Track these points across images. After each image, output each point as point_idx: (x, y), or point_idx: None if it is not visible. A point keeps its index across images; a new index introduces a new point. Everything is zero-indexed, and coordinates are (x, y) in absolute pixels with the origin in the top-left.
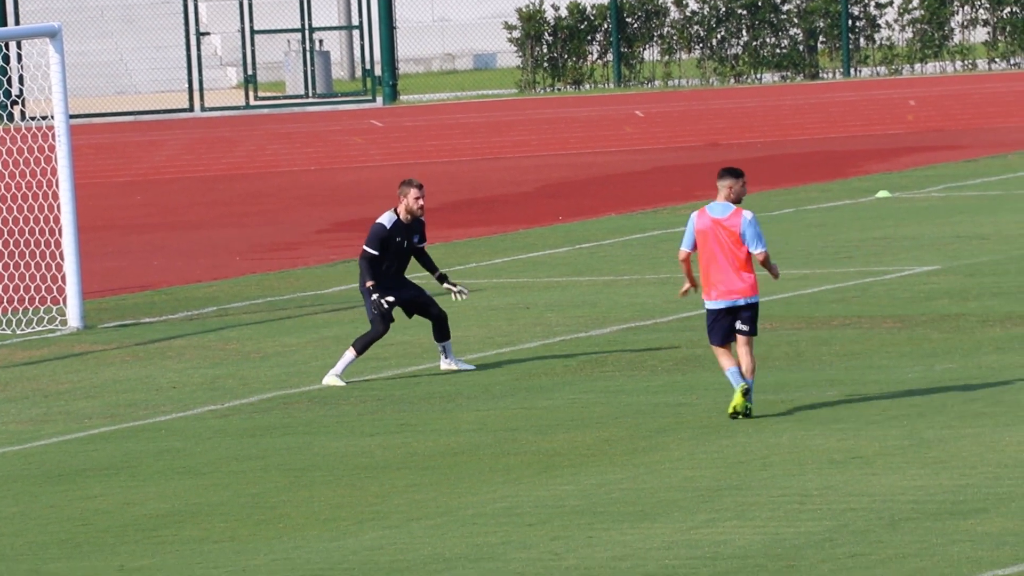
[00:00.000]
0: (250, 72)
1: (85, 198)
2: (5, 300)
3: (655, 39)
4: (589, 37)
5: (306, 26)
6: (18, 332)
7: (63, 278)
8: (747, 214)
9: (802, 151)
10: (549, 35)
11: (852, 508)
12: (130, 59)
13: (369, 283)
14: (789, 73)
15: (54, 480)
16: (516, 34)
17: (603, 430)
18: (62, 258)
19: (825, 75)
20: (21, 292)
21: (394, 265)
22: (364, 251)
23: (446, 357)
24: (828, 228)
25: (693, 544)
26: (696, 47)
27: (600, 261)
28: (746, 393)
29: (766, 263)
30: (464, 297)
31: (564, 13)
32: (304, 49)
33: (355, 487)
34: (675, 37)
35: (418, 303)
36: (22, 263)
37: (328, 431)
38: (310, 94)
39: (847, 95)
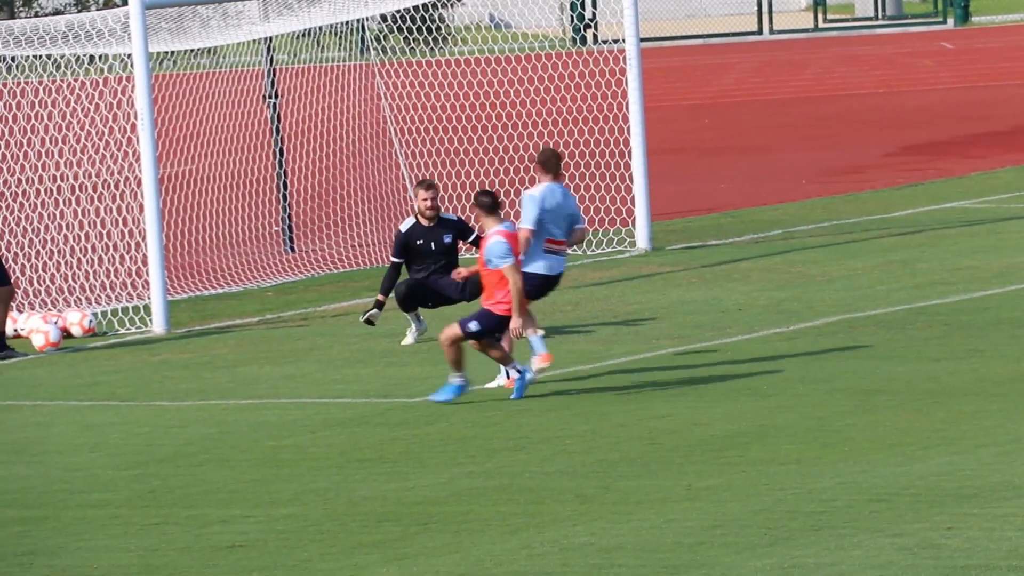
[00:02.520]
0: None
1: (654, 121)
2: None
3: None
4: None
5: None
6: (589, 253)
7: (632, 200)
8: None
9: None
10: None
11: None
12: None
13: (380, 296)
14: None
15: (623, 399)
16: None
17: None
18: (631, 180)
19: None
20: (591, 214)
21: (427, 268)
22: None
23: (417, 326)
24: None
25: None
26: None
27: None
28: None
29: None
30: None
31: None
32: None
33: (921, 412)
34: None
35: (444, 295)
36: (592, 185)
37: (894, 355)
38: (879, 16)
39: None
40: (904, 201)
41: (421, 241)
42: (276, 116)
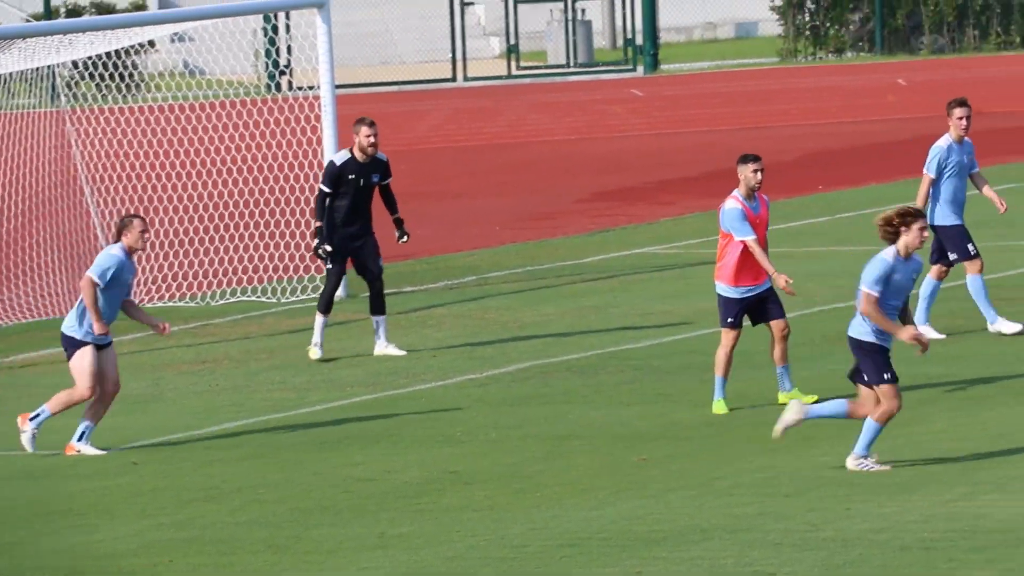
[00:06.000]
0: (512, 42)
1: None
2: (271, 269)
3: (918, 6)
4: (852, 5)
5: None
6: (282, 301)
7: None
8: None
9: None
10: (812, 3)
11: None
12: (396, 29)
13: (317, 223)
14: None
15: (317, 447)
16: (778, 2)
17: None
18: None
19: None
20: (286, 261)
21: (351, 204)
22: (318, 189)
23: (378, 338)
24: None
25: (952, 517)
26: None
27: (861, 231)
28: None
29: None
30: (404, 240)
31: None
32: (566, 19)
33: (613, 457)
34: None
35: (360, 261)
36: (288, 232)
37: (586, 400)
38: (571, 64)
39: None
40: (596, 247)
41: (353, 175)
42: None
